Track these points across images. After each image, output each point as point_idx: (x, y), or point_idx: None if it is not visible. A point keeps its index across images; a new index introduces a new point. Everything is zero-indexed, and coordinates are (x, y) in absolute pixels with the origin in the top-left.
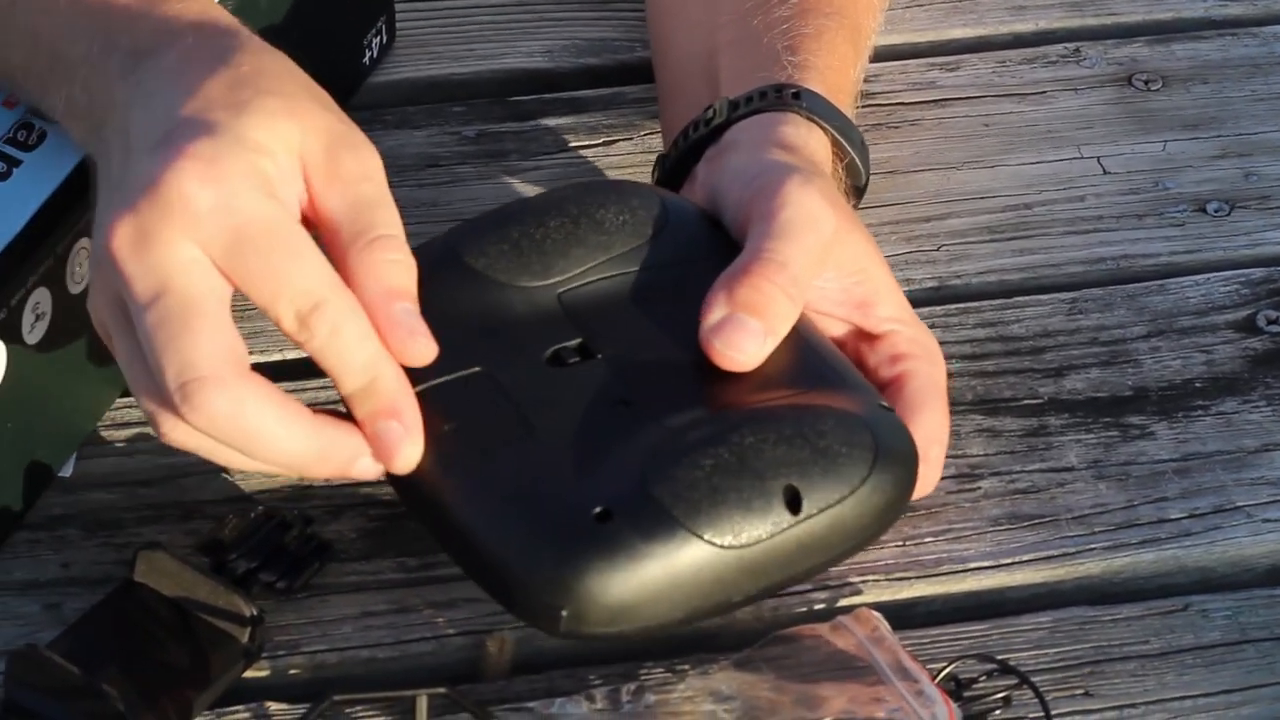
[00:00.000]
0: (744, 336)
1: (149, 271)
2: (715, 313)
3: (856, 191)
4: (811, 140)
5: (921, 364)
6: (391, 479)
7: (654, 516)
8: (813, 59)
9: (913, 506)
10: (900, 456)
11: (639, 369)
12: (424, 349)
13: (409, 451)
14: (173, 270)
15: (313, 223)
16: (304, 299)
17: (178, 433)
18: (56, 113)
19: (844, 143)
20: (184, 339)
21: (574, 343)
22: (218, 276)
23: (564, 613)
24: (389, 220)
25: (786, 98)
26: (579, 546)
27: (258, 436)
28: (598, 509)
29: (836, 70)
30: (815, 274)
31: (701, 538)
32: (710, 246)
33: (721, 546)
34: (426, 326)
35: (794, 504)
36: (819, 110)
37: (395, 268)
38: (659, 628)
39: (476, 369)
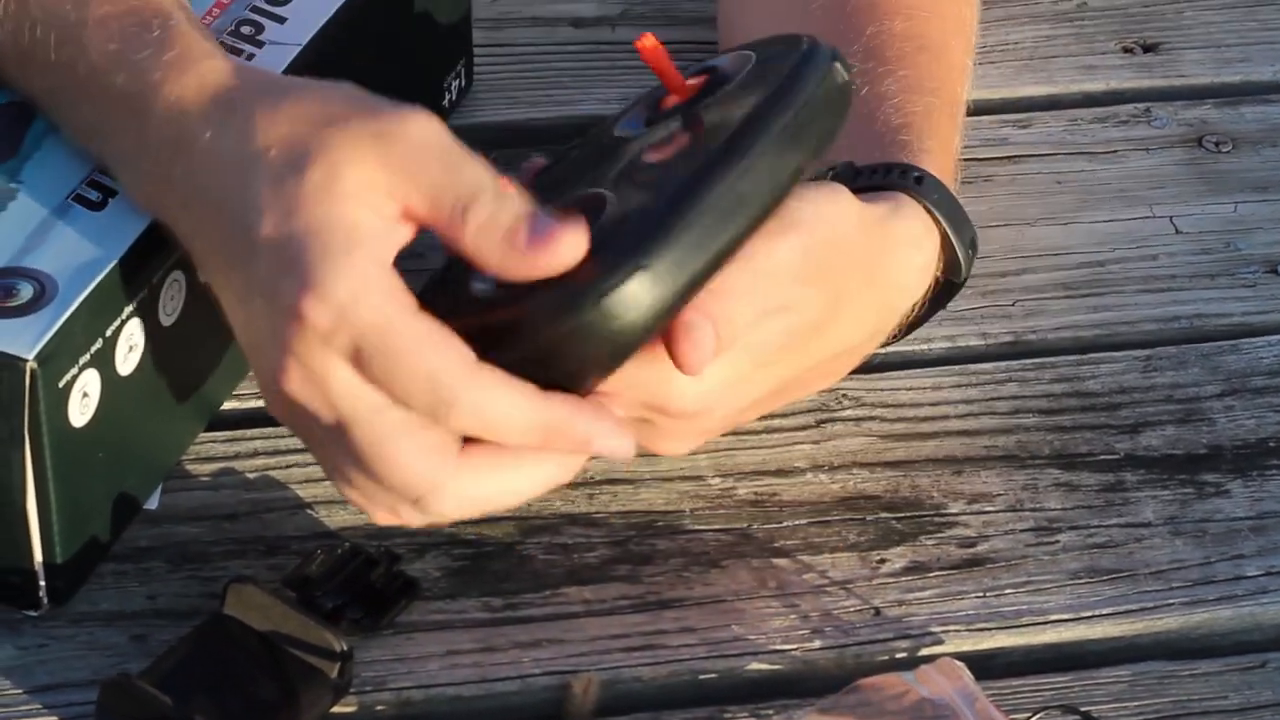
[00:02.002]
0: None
1: (327, 405)
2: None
3: (947, 287)
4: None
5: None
6: None
7: None
8: (924, 142)
9: (992, 559)
10: None
11: None
12: (566, 248)
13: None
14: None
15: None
16: (431, 397)
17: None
18: (123, 190)
19: (952, 236)
20: (386, 460)
21: None
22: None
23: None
24: (458, 184)
25: (911, 180)
26: None
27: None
28: None
29: (943, 152)
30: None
31: None
32: None
33: None
34: (555, 222)
35: None
36: (936, 198)
37: (492, 221)
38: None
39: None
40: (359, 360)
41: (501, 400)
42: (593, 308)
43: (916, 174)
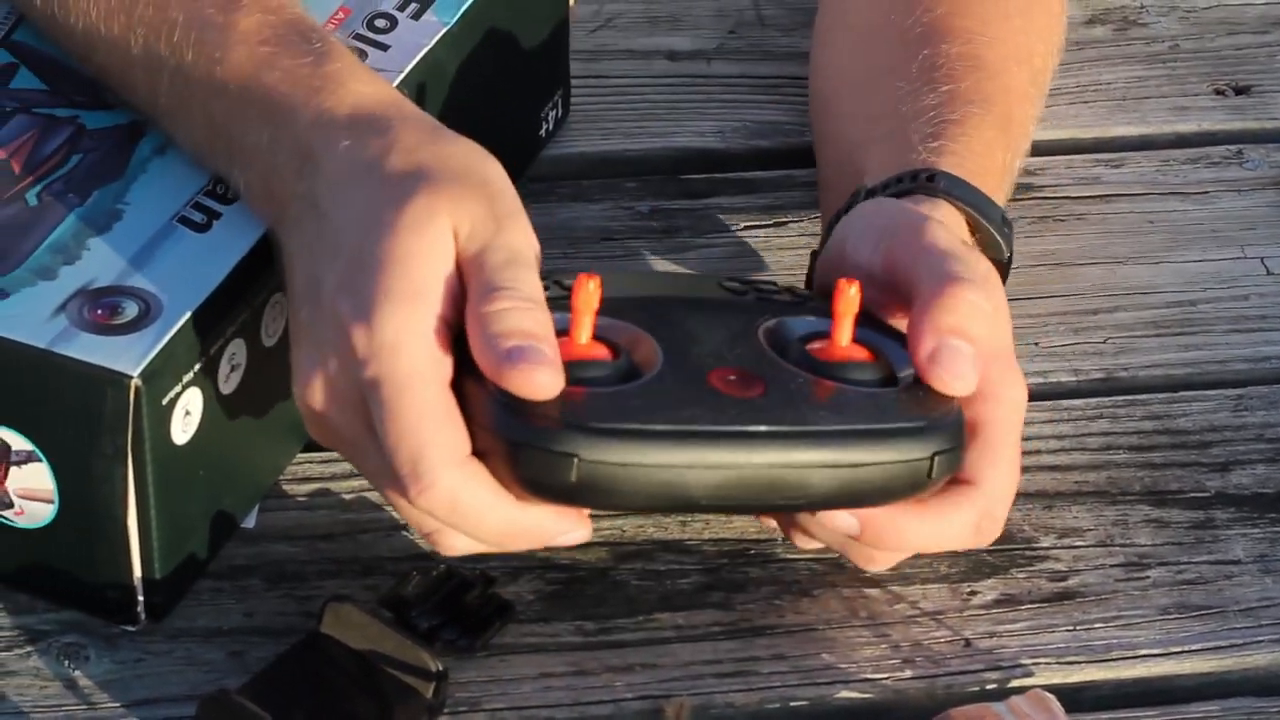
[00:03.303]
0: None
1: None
2: (927, 343)
3: (997, 267)
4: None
5: (1001, 409)
6: None
7: None
8: (952, 144)
9: (1082, 593)
10: None
11: None
12: (540, 379)
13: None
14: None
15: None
16: (409, 467)
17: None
18: (237, 190)
19: (979, 218)
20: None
21: None
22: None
23: None
24: (504, 279)
25: (922, 181)
26: None
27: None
28: None
29: (979, 154)
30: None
31: None
32: None
33: None
34: (546, 354)
35: None
36: (954, 190)
37: (500, 316)
38: None
39: None
40: (368, 395)
41: (475, 498)
42: (520, 447)
43: (928, 174)
